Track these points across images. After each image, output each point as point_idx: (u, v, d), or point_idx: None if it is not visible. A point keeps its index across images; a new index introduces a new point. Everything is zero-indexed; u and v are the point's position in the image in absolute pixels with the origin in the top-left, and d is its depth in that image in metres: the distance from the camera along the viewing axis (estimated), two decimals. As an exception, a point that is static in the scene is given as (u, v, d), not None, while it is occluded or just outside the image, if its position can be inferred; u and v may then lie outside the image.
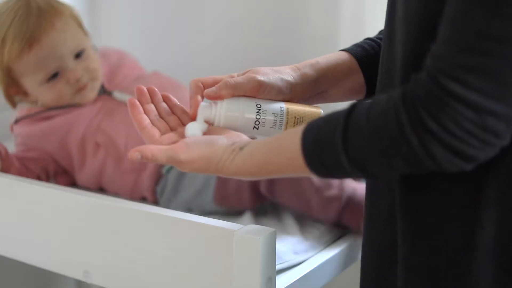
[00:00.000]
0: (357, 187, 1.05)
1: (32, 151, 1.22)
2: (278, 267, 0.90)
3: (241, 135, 0.81)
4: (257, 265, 0.79)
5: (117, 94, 1.23)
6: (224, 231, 0.81)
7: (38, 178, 1.21)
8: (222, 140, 0.78)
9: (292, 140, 0.71)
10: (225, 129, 0.82)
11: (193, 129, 0.81)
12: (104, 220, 0.95)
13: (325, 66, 0.88)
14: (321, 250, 1.00)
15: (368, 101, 0.67)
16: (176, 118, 0.85)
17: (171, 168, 1.16)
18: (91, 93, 1.22)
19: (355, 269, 1.13)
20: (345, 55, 0.89)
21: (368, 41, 0.91)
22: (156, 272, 0.90)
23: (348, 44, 0.92)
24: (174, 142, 0.79)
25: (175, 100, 0.86)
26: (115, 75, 1.27)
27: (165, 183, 1.16)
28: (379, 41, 0.89)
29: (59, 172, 1.25)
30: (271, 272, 0.81)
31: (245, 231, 0.80)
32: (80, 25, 1.24)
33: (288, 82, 0.84)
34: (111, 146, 1.19)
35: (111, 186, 1.22)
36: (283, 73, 0.85)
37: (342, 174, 0.70)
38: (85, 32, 1.25)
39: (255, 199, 1.10)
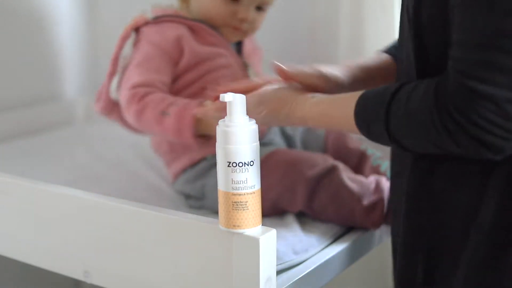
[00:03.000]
0: None
1: (165, 55, 1.15)
2: (278, 267, 0.91)
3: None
4: (257, 265, 0.79)
5: (252, 73, 1.19)
6: (224, 231, 0.81)
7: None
8: (294, 90, 0.91)
9: (351, 101, 0.81)
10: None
11: None
12: (104, 220, 0.95)
13: (375, 69, 0.97)
14: (321, 250, 1.00)
15: (413, 83, 0.74)
16: None
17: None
18: (233, 37, 1.19)
19: (355, 269, 1.13)
20: (387, 58, 0.98)
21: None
22: (156, 272, 0.90)
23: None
24: None
25: None
26: (254, 55, 1.24)
27: (202, 171, 1.13)
28: None
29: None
30: (271, 272, 0.81)
31: (245, 231, 0.80)
32: None
33: (342, 81, 0.93)
34: (201, 98, 1.10)
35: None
36: (338, 72, 0.93)
37: (385, 142, 0.78)
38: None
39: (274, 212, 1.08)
